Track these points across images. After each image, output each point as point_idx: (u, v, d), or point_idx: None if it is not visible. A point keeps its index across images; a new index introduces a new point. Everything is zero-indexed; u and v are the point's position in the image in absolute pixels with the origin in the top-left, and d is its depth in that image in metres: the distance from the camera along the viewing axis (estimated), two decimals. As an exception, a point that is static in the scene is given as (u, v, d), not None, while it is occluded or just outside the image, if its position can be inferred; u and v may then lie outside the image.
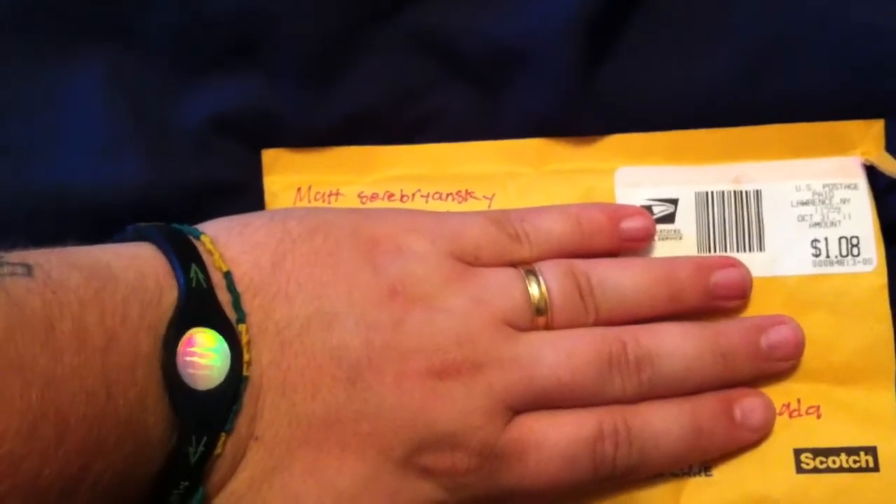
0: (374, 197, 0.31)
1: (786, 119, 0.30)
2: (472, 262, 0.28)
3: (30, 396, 0.20)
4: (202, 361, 0.24)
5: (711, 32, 0.30)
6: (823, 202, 0.30)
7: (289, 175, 0.31)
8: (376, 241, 0.27)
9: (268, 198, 0.31)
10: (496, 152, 0.31)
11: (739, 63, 0.30)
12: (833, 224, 0.30)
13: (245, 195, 0.31)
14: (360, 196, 0.31)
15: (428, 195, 0.31)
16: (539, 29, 0.30)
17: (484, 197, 0.31)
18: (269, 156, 0.31)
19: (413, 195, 0.31)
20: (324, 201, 0.31)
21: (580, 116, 0.30)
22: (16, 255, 0.23)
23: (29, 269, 0.22)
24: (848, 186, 0.30)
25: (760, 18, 0.30)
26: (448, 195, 0.31)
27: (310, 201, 0.31)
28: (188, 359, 0.23)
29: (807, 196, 0.30)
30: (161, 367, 0.23)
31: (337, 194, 0.31)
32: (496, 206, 0.30)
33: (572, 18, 0.29)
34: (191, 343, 0.23)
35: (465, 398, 0.26)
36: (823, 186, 0.30)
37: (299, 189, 0.31)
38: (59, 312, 0.21)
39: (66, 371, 0.21)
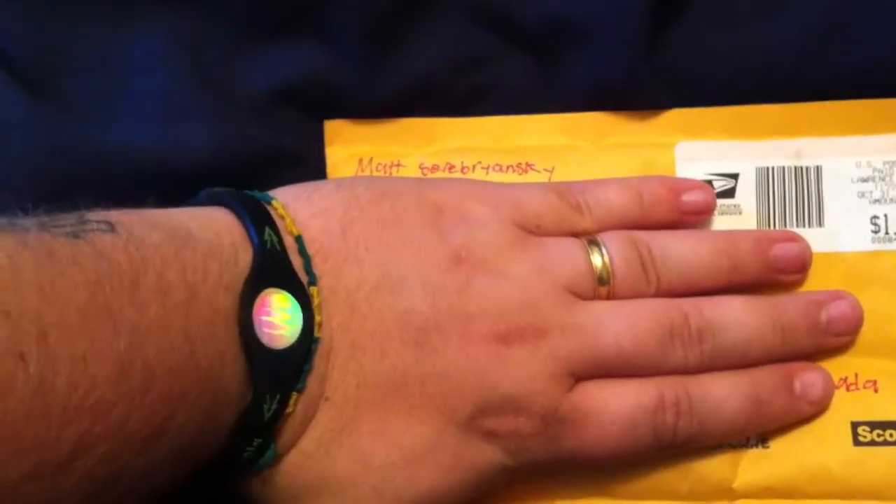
0: (434, 168, 0.31)
1: (849, 90, 0.30)
2: (534, 230, 0.28)
3: (119, 345, 0.21)
4: (277, 322, 0.24)
5: (777, 1, 0.30)
6: (883, 179, 0.30)
7: (350, 146, 0.32)
8: (441, 208, 0.27)
9: (329, 168, 0.32)
10: (556, 125, 0.31)
11: (804, 33, 0.30)
12: (893, 201, 0.30)
13: (306, 163, 0.31)
14: (420, 167, 0.31)
15: (488, 167, 0.31)
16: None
17: (544, 169, 0.31)
18: (332, 127, 0.32)
19: (473, 167, 0.31)
20: (385, 172, 0.32)
21: (639, 87, 0.31)
22: (98, 214, 0.23)
23: (112, 227, 0.23)
24: (909, 163, 0.30)
25: None
26: (508, 167, 0.31)
27: (371, 172, 0.31)
28: (264, 318, 0.24)
29: (867, 173, 0.30)
30: (238, 324, 0.24)
31: (398, 165, 0.32)
32: (556, 178, 0.31)
33: None
34: (266, 304, 0.24)
35: (528, 362, 0.26)
36: (884, 163, 0.30)
37: (360, 160, 0.32)
38: (142, 267, 0.22)
39: (151, 323, 0.21)
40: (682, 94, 0.31)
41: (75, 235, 0.22)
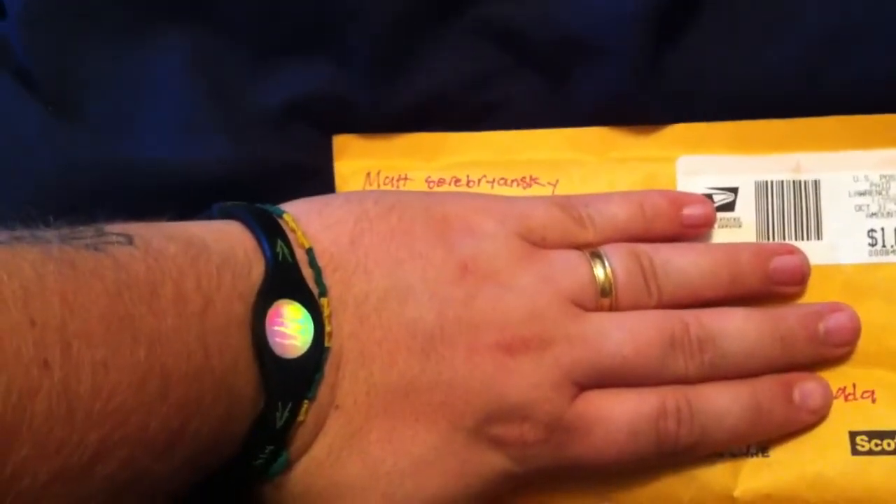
0: (441, 182, 0.32)
1: (849, 108, 0.30)
2: (539, 243, 0.29)
3: (138, 352, 0.21)
4: (288, 332, 0.25)
5: (778, 21, 0.31)
6: (880, 193, 0.31)
7: (359, 160, 0.32)
8: (448, 220, 0.28)
9: (338, 182, 0.32)
10: (560, 140, 0.32)
11: (805, 52, 0.30)
12: (889, 214, 0.30)
13: (317, 177, 0.32)
14: (427, 181, 0.32)
15: (493, 181, 0.32)
16: (605, 18, 0.30)
17: (548, 183, 0.32)
18: (340, 141, 0.32)
19: (479, 180, 0.32)
20: (392, 185, 0.32)
21: (645, 105, 0.31)
22: (116, 227, 0.24)
23: (130, 239, 0.23)
24: (905, 178, 0.31)
25: (827, 7, 0.30)
26: (513, 181, 0.32)
27: (379, 185, 0.32)
28: (276, 328, 0.25)
29: (864, 186, 0.31)
30: (251, 334, 0.24)
31: (405, 179, 0.32)
32: (560, 191, 0.31)
33: (638, 8, 0.30)
34: (278, 314, 0.25)
35: (533, 372, 0.27)
36: (881, 177, 0.31)
37: (369, 174, 0.32)
38: (160, 278, 0.23)
39: (168, 331, 0.22)
40: (685, 112, 0.31)
41: (95, 248, 0.22)
